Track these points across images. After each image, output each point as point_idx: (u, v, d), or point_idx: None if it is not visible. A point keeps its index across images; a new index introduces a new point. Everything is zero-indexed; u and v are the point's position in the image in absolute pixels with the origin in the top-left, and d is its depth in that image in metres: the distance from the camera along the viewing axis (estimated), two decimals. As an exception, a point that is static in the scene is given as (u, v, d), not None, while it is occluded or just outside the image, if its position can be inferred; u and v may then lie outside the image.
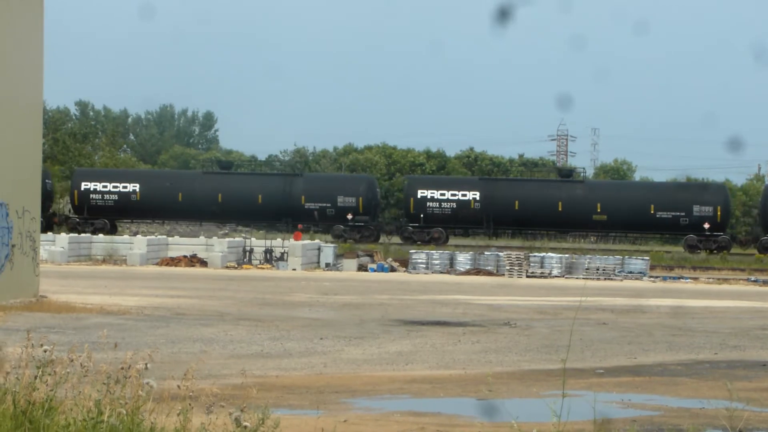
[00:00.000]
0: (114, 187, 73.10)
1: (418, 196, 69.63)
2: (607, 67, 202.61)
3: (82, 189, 73.21)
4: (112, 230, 72.06)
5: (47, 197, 73.86)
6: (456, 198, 69.60)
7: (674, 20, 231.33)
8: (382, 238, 70.96)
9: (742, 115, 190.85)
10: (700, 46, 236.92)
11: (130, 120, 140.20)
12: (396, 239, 70.59)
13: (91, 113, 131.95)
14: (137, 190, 72.71)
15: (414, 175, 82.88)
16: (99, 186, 73.22)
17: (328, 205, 70.06)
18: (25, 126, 31.13)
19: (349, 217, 69.30)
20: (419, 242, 67.96)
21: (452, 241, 70.98)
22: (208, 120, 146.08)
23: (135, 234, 69.67)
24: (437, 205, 69.38)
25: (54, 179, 77.84)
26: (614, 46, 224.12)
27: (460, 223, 70.14)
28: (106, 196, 72.90)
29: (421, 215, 69.30)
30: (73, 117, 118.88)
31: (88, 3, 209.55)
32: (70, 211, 77.13)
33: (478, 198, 69.37)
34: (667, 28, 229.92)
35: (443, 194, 69.65)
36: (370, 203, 70.49)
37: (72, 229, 69.81)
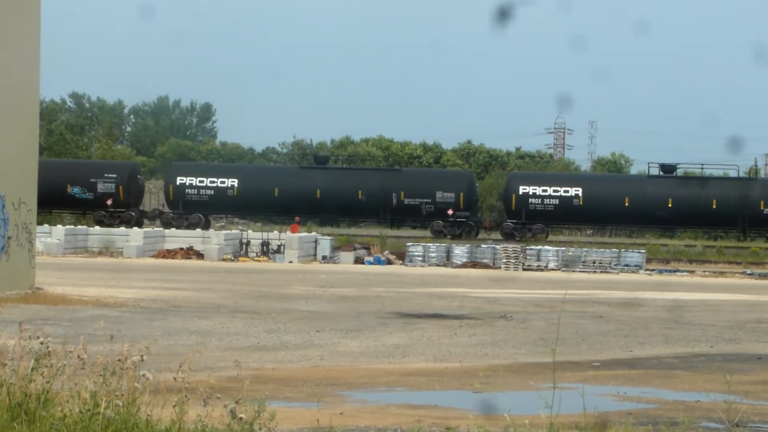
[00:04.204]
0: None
1: None
2: (606, 64, 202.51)
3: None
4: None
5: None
6: None
7: (675, 18, 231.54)
8: None
9: (743, 113, 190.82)
10: (699, 43, 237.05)
11: (126, 111, 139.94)
12: None
13: (87, 105, 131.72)
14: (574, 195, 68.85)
15: None
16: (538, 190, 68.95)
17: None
18: (21, 117, 31.09)
19: None
20: None
21: None
22: (206, 112, 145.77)
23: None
24: None
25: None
26: (613, 43, 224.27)
27: None
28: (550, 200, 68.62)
29: None
30: (69, 109, 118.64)
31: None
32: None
33: None
34: (668, 26, 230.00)
35: None
36: None
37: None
